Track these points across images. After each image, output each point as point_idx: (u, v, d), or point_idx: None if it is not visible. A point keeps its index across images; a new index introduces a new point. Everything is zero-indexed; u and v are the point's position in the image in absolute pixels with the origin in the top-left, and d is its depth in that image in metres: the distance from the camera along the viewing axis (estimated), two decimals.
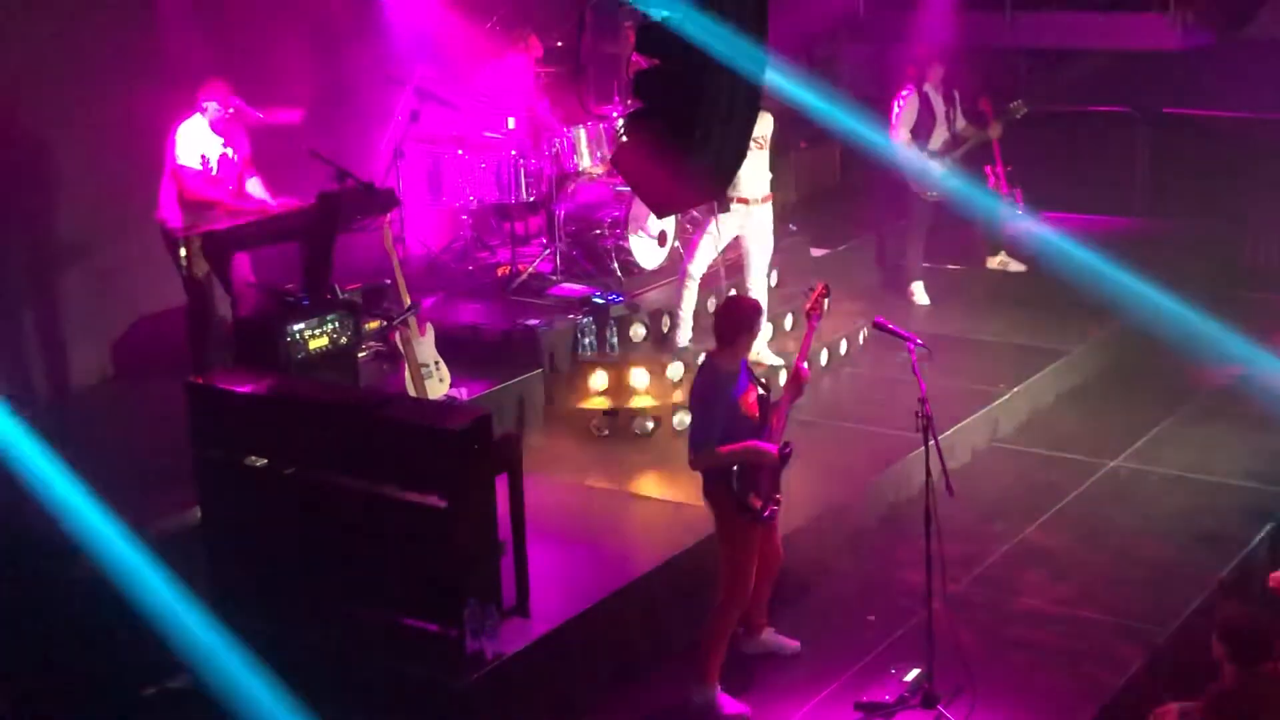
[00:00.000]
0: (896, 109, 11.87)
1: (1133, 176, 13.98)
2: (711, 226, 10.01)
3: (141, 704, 7.07)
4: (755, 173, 9.87)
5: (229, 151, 8.99)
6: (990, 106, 12.28)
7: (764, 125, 9.77)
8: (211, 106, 8.86)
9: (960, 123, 12.06)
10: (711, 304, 10.56)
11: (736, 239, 10.14)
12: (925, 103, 11.87)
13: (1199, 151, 13.12)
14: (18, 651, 7.23)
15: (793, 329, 10.81)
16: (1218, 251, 13.15)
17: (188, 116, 8.89)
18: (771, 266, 10.48)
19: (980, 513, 8.90)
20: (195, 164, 8.83)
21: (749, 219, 10.04)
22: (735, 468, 6.92)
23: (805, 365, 7.16)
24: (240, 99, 8.98)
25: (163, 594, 7.14)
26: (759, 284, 10.21)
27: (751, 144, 9.53)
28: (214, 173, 8.89)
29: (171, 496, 7.79)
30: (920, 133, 11.87)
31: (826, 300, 7.39)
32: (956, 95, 12.07)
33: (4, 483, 7.51)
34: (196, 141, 8.86)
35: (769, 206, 10.14)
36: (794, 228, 12.09)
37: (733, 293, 10.03)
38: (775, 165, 10.19)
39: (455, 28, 11.35)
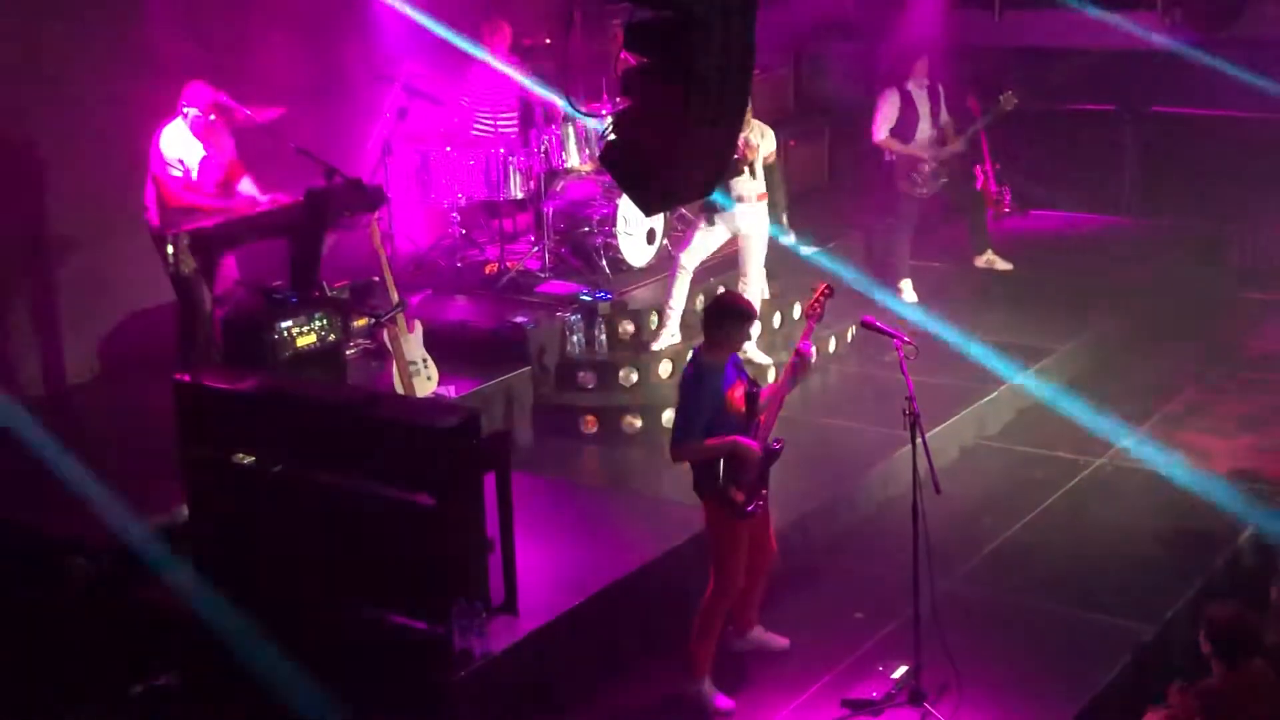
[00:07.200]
0: (878, 108, 11.88)
1: (1121, 175, 13.99)
2: (705, 223, 10.02)
3: (129, 701, 7.06)
4: (750, 176, 9.93)
5: (209, 154, 8.91)
6: (977, 104, 12.29)
7: (768, 144, 9.98)
8: (192, 112, 8.82)
9: (945, 119, 12.05)
10: (701, 302, 10.57)
11: (731, 237, 10.17)
12: (908, 100, 11.84)
13: (1187, 150, 13.14)
14: (5, 650, 7.22)
15: (781, 327, 10.80)
16: (1206, 250, 13.17)
17: (170, 120, 8.86)
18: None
19: (967, 510, 8.90)
20: (175, 170, 8.79)
21: (745, 218, 10.04)
22: (722, 462, 6.93)
23: (810, 345, 7.09)
24: (227, 96, 8.95)
25: (151, 591, 7.15)
26: (755, 282, 10.21)
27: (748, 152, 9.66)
28: (194, 177, 8.84)
29: (159, 494, 7.79)
30: (903, 131, 11.85)
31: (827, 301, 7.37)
32: (942, 91, 12.05)
33: None
34: (177, 146, 8.82)
35: (764, 206, 10.14)
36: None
37: (721, 289, 10.05)
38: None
39: (444, 23, 11.33)
